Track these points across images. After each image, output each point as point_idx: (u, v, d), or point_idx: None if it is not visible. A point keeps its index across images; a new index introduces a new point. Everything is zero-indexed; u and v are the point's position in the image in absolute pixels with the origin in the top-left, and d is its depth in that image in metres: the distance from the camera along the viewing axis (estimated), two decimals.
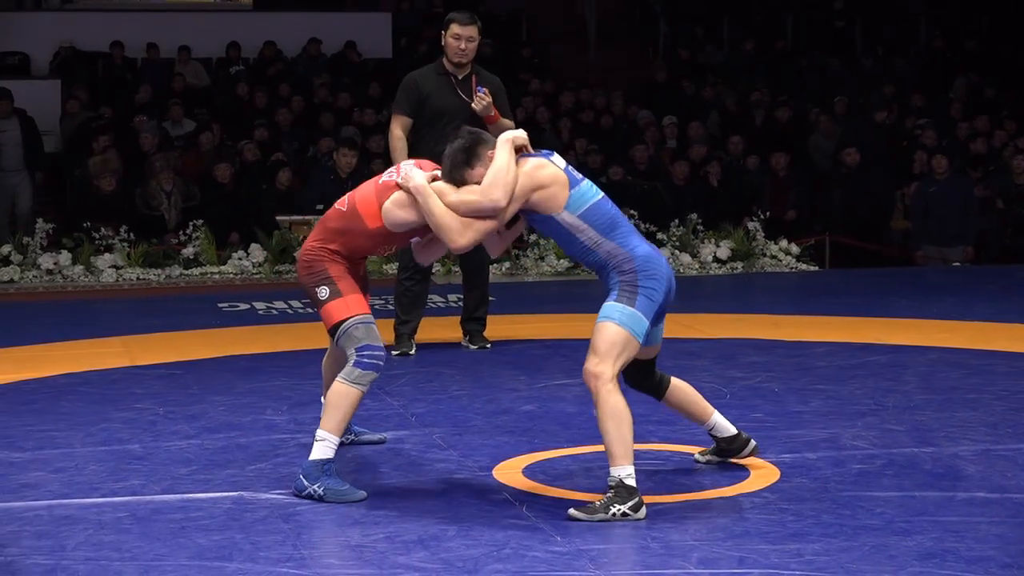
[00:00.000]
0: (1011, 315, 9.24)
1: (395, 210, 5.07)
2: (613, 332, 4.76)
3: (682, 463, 5.51)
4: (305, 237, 12.42)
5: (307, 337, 8.68)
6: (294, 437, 6.00)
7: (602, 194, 4.94)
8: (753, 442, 5.28)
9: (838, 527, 4.61)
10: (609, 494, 4.65)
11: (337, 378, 5.11)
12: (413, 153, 7.68)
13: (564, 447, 5.77)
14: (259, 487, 5.19)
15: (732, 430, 5.25)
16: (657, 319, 4.89)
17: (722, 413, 5.28)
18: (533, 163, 4.93)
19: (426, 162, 5.26)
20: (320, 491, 4.97)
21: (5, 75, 17.01)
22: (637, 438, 5.80)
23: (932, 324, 8.92)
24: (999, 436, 5.87)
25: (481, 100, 7.68)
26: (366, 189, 5.25)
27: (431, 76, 8.04)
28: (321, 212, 12.30)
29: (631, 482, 4.68)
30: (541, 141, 15.03)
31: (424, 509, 4.89)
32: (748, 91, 16.80)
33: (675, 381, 5.17)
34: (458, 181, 4.94)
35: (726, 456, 5.30)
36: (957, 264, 13.03)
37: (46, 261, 12.11)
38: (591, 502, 4.71)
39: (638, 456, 5.56)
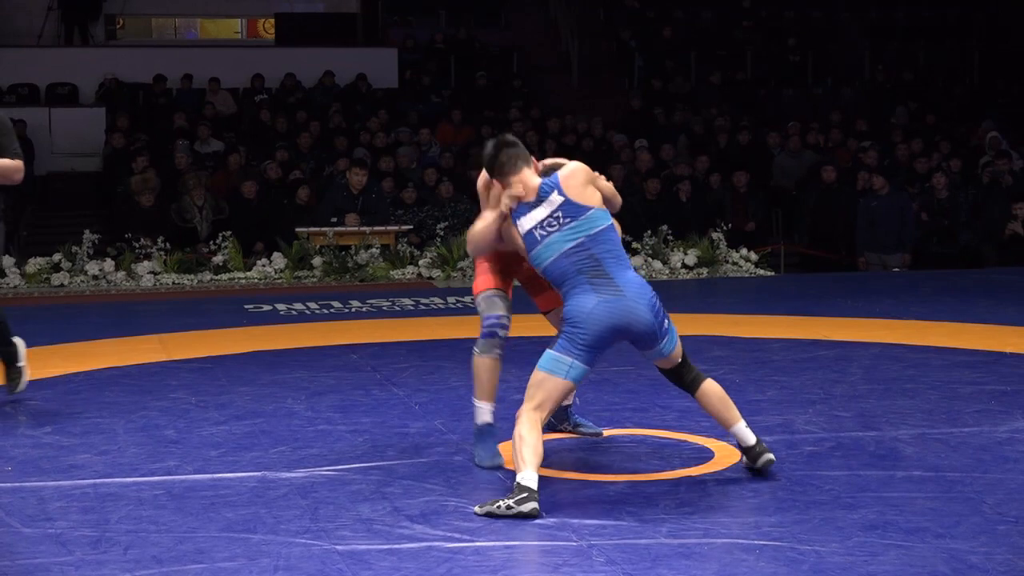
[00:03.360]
0: (943, 315, 9.26)
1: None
2: (533, 376, 4.77)
3: (654, 446, 5.51)
4: (322, 247, 12.58)
5: (324, 335, 8.69)
6: (312, 423, 6.00)
7: (556, 254, 4.76)
8: (768, 456, 4.88)
9: (791, 502, 4.61)
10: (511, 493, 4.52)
11: None
12: None
13: (550, 431, 5.76)
14: (280, 468, 5.19)
15: (751, 440, 4.92)
16: (626, 343, 4.83)
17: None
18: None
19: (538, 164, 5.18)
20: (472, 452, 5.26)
21: (56, 103, 17.04)
22: (614, 424, 5.85)
23: (874, 323, 8.93)
24: (934, 421, 5.87)
25: None
26: None
27: None
28: (335, 224, 12.44)
29: (526, 483, 4.48)
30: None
31: (427, 487, 4.89)
32: (712, 117, 16.83)
33: (707, 385, 4.94)
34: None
35: (749, 464, 4.96)
36: (896, 269, 13.06)
37: (92, 268, 12.10)
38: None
39: (616, 440, 5.59)
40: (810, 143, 16.01)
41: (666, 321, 4.85)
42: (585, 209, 4.81)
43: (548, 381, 4.73)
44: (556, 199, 4.83)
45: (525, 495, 4.46)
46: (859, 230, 13.44)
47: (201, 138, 15.34)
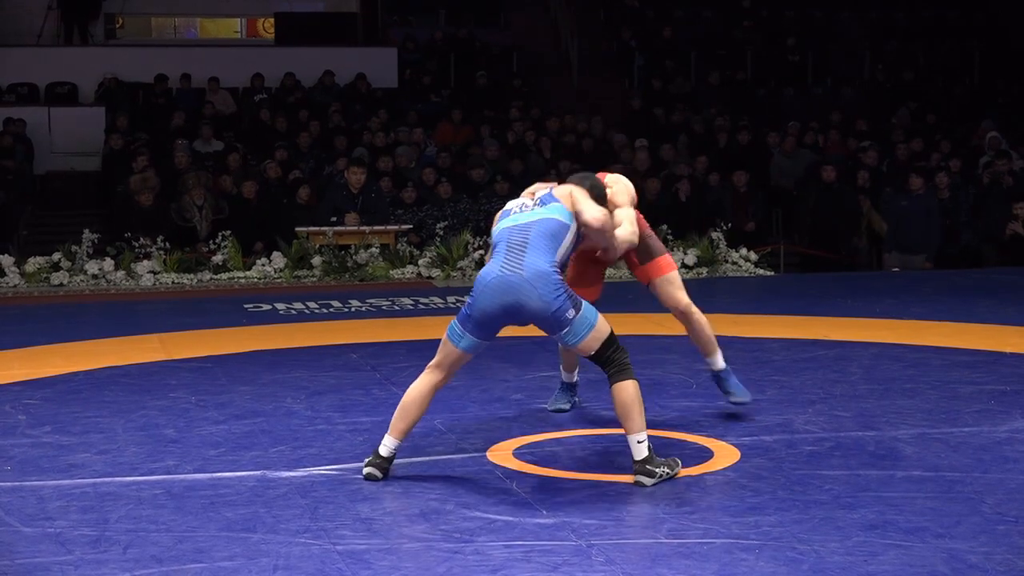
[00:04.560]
0: (943, 315, 9.26)
1: None
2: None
3: (654, 446, 5.49)
4: (321, 246, 12.56)
5: (323, 334, 8.68)
6: (311, 423, 6.00)
7: (508, 224, 5.04)
8: (642, 479, 4.80)
9: (791, 502, 4.61)
10: None
11: None
12: None
13: (550, 431, 5.77)
14: (280, 467, 5.19)
15: (636, 456, 4.85)
16: (513, 323, 4.96)
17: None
18: None
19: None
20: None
21: (56, 102, 17.05)
22: (613, 424, 5.83)
23: (874, 323, 8.94)
24: (933, 421, 5.87)
25: None
26: None
27: None
28: (335, 224, 12.43)
29: (378, 448, 5.01)
30: (529, 161, 15.09)
31: (426, 486, 4.89)
32: (712, 117, 16.83)
33: (617, 388, 4.86)
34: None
35: None
36: (896, 269, 13.07)
37: (92, 267, 12.10)
38: None
39: (616, 440, 5.59)
40: (808, 143, 16.02)
41: (570, 313, 4.84)
42: (555, 201, 5.06)
43: (447, 346, 5.08)
44: (513, 203, 5.19)
45: (368, 459, 5.00)
46: (888, 228, 13.45)
47: (204, 138, 15.33)
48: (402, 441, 5.04)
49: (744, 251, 12.99)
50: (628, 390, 4.87)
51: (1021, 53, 19.21)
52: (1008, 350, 7.66)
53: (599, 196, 5.25)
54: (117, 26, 20.72)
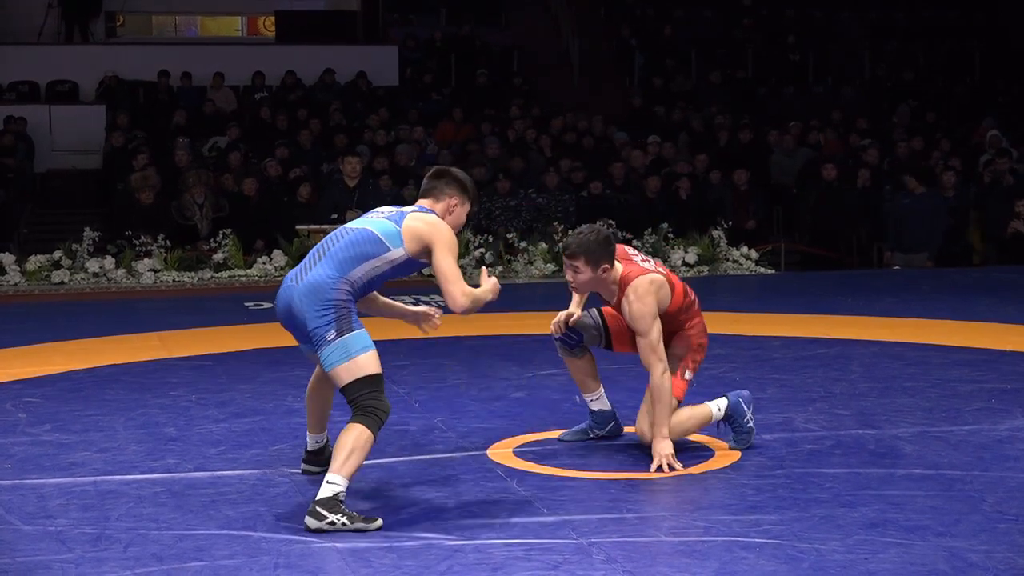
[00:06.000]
0: (944, 313, 9.26)
1: None
2: None
3: None
4: None
5: None
6: None
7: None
8: (308, 519, 4.32)
9: (792, 500, 4.60)
10: None
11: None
12: None
13: (551, 429, 5.76)
14: (280, 465, 5.19)
15: (321, 494, 4.33)
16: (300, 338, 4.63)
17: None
18: None
19: None
20: None
21: (56, 101, 17.05)
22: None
23: (874, 321, 8.93)
24: (933, 419, 5.87)
25: None
26: None
27: None
28: (335, 222, 12.41)
29: (308, 447, 5.11)
30: (530, 159, 15.08)
31: (426, 485, 4.89)
32: (713, 115, 16.83)
33: (347, 427, 4.42)
34: None
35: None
36: (897, 268, 13.07)
37: (92, 265, 12.10)
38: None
39: (616, 438, 5.58)
40: (810, 142, 16.00)
41: (330, 335, 4.45)
42: (396, 225, 4.69)
43: None
44: (393, 211, 4.82)
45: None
46: (888, 228, 13.44)
47: (231, 137, 15.27)
48: (319, 434, 5.01)
49: (745, 249, 13.00)
50: (353, 432, 4.39)
51: (1021, 53, 19.19)
52: (1008, 348, 7.65)
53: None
54: (118, 24, 20.72)
